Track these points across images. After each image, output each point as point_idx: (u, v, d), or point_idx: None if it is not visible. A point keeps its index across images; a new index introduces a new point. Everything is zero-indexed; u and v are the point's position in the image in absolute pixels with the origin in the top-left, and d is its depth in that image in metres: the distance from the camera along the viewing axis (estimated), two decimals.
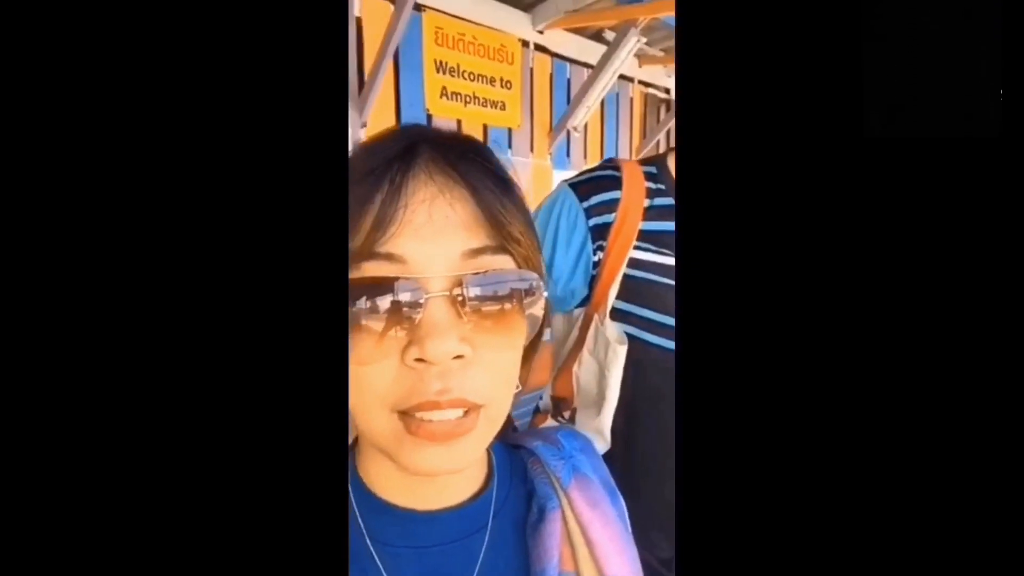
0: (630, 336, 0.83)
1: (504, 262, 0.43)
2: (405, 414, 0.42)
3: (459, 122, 2.84)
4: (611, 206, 0.84)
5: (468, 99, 2.89)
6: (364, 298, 0.40)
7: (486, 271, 0.42)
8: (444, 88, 2.78)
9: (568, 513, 0.51)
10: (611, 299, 0.84)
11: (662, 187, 0.84)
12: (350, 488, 0.49)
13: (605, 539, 0.50)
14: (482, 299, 0.42)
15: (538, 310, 0.46)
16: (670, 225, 0.82)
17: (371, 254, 0.41)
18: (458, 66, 2.83)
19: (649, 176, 0.85)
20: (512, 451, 0.55)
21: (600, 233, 0.84)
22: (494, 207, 0.43)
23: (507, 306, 0.43)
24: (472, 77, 2.89)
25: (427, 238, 0.41)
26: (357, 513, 0.48)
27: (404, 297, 0.40)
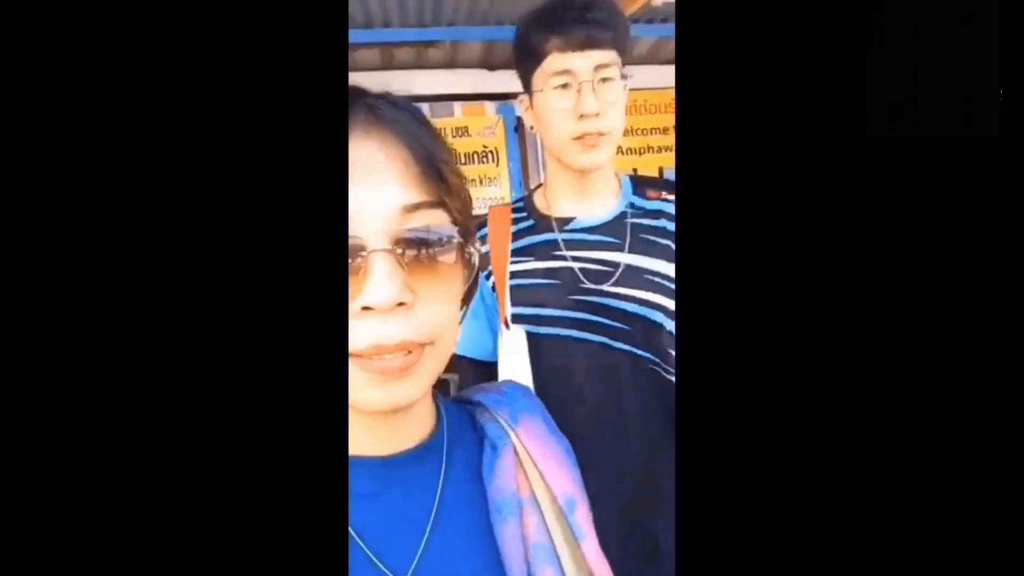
0: (528, 333, 0.97)
1: (441, 217, 0.45)
2: (357, 357, 0.43)
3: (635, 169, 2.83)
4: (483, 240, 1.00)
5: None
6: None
7: (425, 226, 0.44)
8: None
9: (519, 447, 0.54)
10: (508, 308, 0.99)
11: (524, 215, 1.04)
12: None
13: (554, 466, 0.53)
14: (420, 250, 0.44)
15: (475, 257, 0.49)
16: (537, 238, 1.00)
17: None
18: None
19: (515, 210, 1.07)
20: (459, 404, 0.58)
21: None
22: (430, 162, 0.45)
23: (446, 256, 0.45)
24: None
25: (367, 194, 0.43)
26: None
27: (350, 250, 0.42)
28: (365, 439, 0.50)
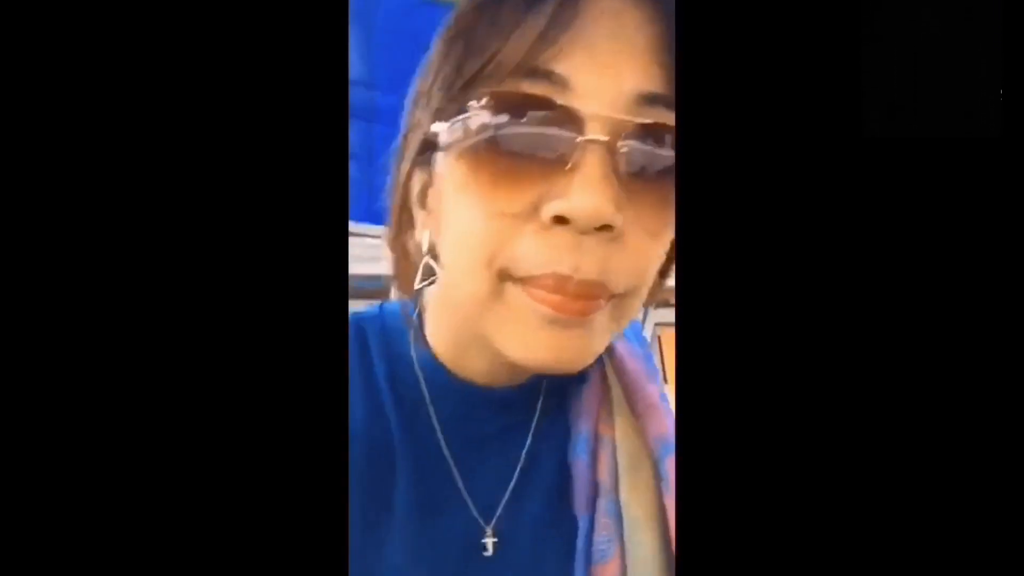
0: None
1: (671, 121, 0.35)
2: (526, 283, 0.34)
3: None
4: None
5: None
6: (504, 120, 0.32)
7: (657, 124, 0.34)
8: None
9: (610, 375, 0.48)
10: None
11: None
12: (412, 354, 0.45)
13: (647, 407, 0.47)
14: (643, 165, 0.34)
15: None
16: None
17: (528, 70, 0.33)
18: None
19: None
20: None
21: None
22: (669, 47, 0.34)
23: (666, 184, 0.35)
24: None
25: (602, 65, 0.33)
26: (421, 378, 0.44)
27: (556, 132, 0.33)
28: (474, 364, 0.42)
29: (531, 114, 0.33)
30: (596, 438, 0.46)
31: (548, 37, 0.33)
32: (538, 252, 0.34)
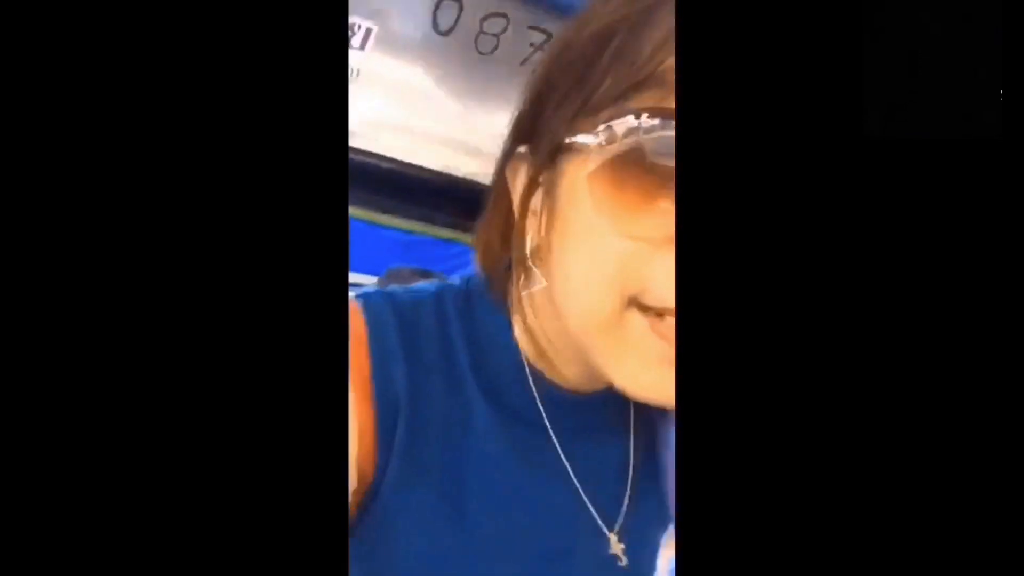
0: None
1: None
2: (653, 314, 0.32)
3: None
4: None
5: None
6: (655, 125, 0.28)
7: None
8: None
9: None
10: None
11: None
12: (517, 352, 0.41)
13: None
14: None
15: None
16: None
17: (643, 80, 0.28)
18: None
19: None
20: None
21: None
22: None
23: None
24: None
25: None
26: (536, 397, 0.41)
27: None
28: (557, 372, 0.41)
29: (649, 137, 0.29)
30: None
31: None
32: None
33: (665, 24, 0.32)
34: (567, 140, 0.34)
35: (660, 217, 0.31)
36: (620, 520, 0.43)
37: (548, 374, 0.44)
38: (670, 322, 0.33)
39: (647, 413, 0.46)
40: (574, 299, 0.36)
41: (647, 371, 0.34)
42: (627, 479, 0.44)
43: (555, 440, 0.42)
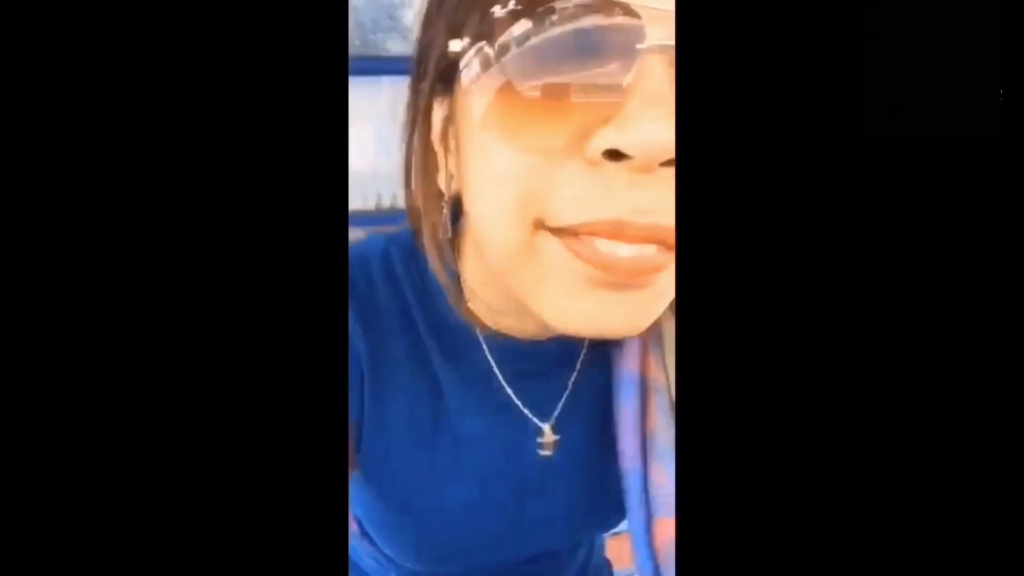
0: None
1: None
2: (567, 234, 0.29)
3: None
4: None
5: None
6: (538, 28, 0.26)
7: None
8: None
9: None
10: None
11: None
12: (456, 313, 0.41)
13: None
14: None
15: None
16: None
17: None
18: None
19: None
20: None
21: None
22: None
23: None
24: None
25: None
26: (484, 348, 0.42)
27: (607, 39, 0.26)
28: (508, 324, 0.39)
29: (573, 17, 0.26)
30: (644, 383, 0.43)
31: None
32: (586, 195, 0.27)
33: None
34: (450, 48, 0.31)
35: (557, 122, 0.27)
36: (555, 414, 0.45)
37: (503, 330, 0.43)
38: (586, 239, 0.29)
39: (603, 356, 0.46)
40: (485, 234, 0.33)
41: (569, 298, 0.31)
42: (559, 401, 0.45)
43: (494, 366, 0.43)
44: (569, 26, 0.26)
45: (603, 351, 0.48)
